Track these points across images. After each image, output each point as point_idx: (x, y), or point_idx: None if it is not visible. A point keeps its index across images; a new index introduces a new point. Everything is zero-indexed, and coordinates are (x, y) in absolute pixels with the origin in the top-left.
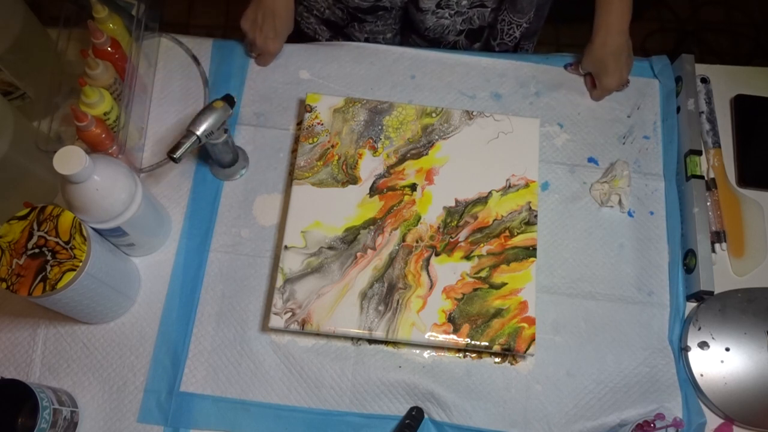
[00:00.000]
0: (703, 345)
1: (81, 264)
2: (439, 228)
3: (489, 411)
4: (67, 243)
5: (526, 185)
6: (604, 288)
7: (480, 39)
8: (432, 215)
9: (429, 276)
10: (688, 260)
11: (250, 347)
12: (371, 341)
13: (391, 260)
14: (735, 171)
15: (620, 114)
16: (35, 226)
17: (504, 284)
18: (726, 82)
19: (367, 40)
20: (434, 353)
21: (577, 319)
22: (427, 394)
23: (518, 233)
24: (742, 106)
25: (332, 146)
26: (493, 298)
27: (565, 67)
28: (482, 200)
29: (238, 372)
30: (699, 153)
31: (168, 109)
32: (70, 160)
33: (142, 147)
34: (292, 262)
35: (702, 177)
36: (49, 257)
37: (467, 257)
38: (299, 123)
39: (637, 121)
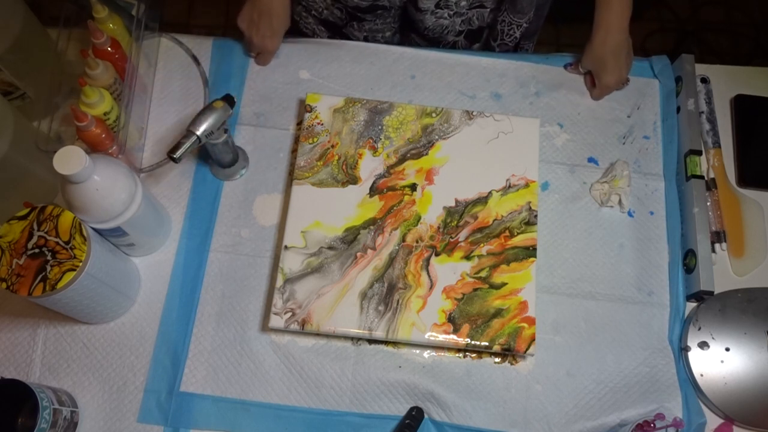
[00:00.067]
0: (703, 345)
1: (81, 264)
2: (439, 228)
3: (489, 411)
4: (67, 243)
5: (526, 185)
6: (604, 288)
7: (479, 40)
8: (432, 215)
9: (429, 276)
10: (688, 260)
11: (250, 347)
12: (371, 341)
13: (391, 260)
14: (735, 171)
15: (620, 114)
16: (35, 226)
17: (504, 284)
18: (726, 82)
19: (366, 39)
20: (434, 353)
21: (577, 319)
22: (427, 394)
23: (518, 233)
24: (742, 106)
25: (332, 146)
26: (493, 298)
27: (565, 67)
28: (482, 200)
29: (238, 372)
30: (699, 153)
31: (168, 109)
32: (70, 160)
33: (142, 147)
34: (292, 262)
35: (702, 177)
36: (49, 257)
37: (467, 257)
38: (299, 123)
39: (637, 121)
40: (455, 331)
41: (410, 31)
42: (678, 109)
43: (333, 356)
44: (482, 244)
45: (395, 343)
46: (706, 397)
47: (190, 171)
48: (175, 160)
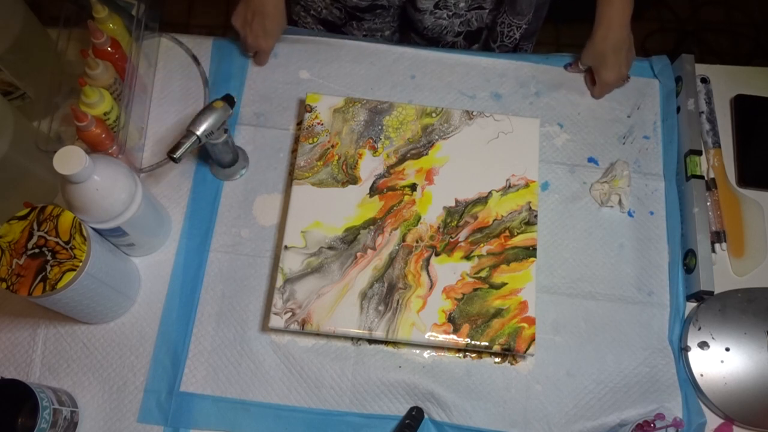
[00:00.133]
0: (703, 345)
1: (81, 264)
2: (439, 228)
3: (489, 411)
4: (67, 243)
5: (526, 185)
6: (604, 288)
7: (478, 40)
8: (432, 215)
9: (429, 276)
10: (688, 260)
11: (250, 347)
12: (371, 341)
13: (391, 260)
14: (735, 171)
15: (620, 114)
16: (35, 226)
17: (504, 284)
18: (726, 82)
19: (365, 37)
20: (434, 353)
21: (577, 319)
22: (427, 394)
23: (518, 233)
24: (742, 106)
25: (332, 146)
26: (493, 298)
27: (565, 67)
28: (482, 200)
29: (238, 372)
30: (699, 153)
31: (168, 109)
32: (70, 160)
33: (142, 147)
34: (292, 262)
35: (702, 177)
36: (49, 257)
37: (467, 257)
38: (299, 123)
39: (637, 121)
40: (455, 331)
41: (410, 31)
42: (678, 109)
43: (333, 356)
44: (482, 244)
45: (395, 343)
46: (706, 397)
47: (190, 171)
48: (175, 160)
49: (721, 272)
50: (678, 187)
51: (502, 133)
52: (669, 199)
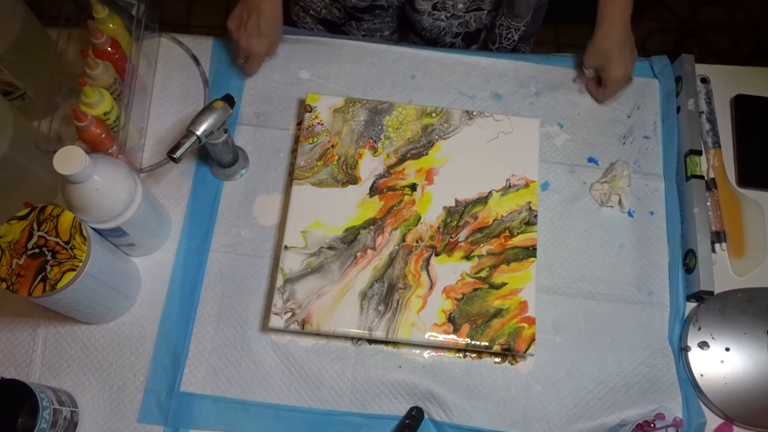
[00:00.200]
0: (703, 345)
1: (81, 264)
2: (439, 228)
3: (489, 411)
4: (67, 243)
5: (526, 185)
6: (604, 288)
7: (477, 42)
8: (432, 215)
9: (429, 276)
10: (688, 260)
11: (250, 347)
12: (371, 341)
13: (391, 260)
14: (735, 171)
15: (620, 114)
16: (35, 226)
17: (504, 284)
18: (726, 82)
19: (364, 37)
20: (434, 353)
21: (577, 319)
22: (427, 394)
23: (518, 233)
24: (742, 106)
25: (332, 146)
26: (493, 298)
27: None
28: (482, 200)
29: (238, 372)
30: (699, 153)
31: (168, 109)
32: (70, 160)
33: (142, 147)
34: (292, 262)
35: (702, 177)
36: (49, 257)
37: (467, 257)
38: (299, 123)
39: (637, 121)
40: (455, 331)
41: (409, 31)
42: (678, 109)
43: (333, 356)
44: (482, 244)
45: (395, 343)
46: (706, 397)
47: (190, 171)
48: (175, 160)
49: (721, 272)
50: (678, 187)
51: (502, 133)
52: (669, 199)
